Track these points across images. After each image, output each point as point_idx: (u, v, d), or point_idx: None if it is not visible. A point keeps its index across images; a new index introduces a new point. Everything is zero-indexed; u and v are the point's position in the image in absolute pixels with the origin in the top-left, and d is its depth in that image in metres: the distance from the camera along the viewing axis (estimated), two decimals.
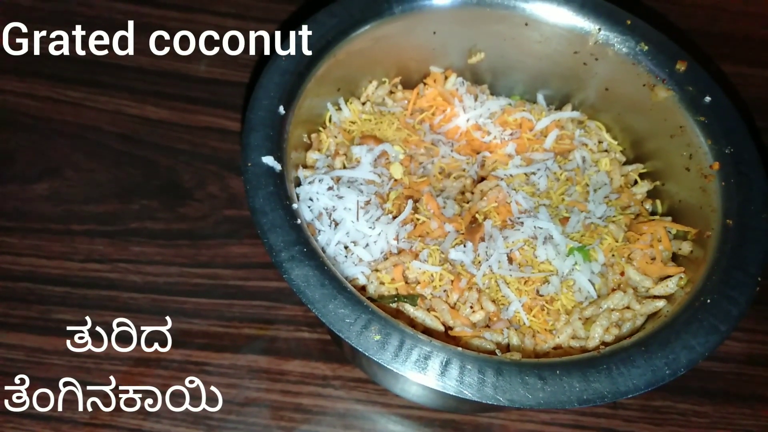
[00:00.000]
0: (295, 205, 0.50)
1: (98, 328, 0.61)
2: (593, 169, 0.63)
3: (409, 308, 0.52)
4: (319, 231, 0.55)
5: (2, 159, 0.70)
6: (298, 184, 0.57)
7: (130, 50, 0.78)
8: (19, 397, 0.57)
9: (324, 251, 0.53)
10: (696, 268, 0.53)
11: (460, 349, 0.45)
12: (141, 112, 0.75)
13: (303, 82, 0.56)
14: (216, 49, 0.80)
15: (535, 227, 0.56)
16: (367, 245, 0.55)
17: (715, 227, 0.53)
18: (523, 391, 0.43)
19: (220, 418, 0.58)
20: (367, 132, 0.63)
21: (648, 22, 0.62)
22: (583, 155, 0.64)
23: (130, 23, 0.80)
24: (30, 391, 0.58)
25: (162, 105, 0.75)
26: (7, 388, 0.58)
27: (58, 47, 0.77)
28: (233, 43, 0.80)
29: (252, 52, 0.80)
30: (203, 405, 0.59)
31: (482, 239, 0.56)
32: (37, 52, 0.77)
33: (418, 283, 0.54)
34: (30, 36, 0.78)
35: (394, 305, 0.53)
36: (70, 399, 0.58)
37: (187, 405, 0.58)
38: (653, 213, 0.63)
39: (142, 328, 0.62)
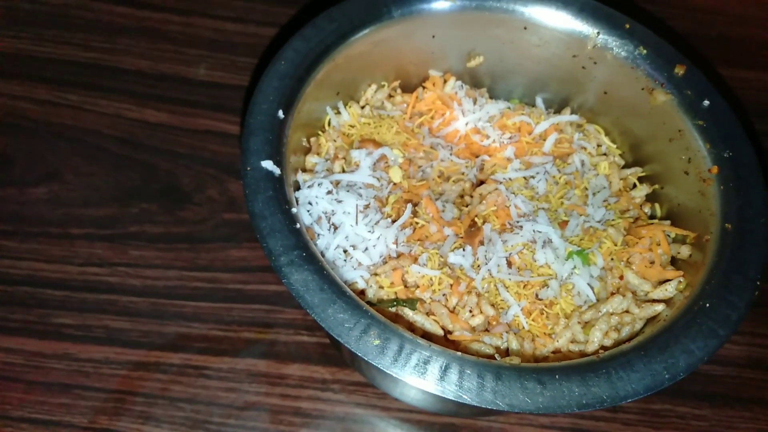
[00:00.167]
0: (294, 210, 0.50)
1: (97, 332, 0.61)
2: (592, 172, 0.63)
3: (408, 312, 0.52)
4: (319, 235, 0.55)
5: (1, 162, 0.70)
6: (298, 188, 0.57)
7: (130, 54, 0.79)
8: (18, 402, 0.57)
9: (323, 255, 0.53)
10: (695, 271, 0.53)
11: (459, 353, 0.45)
12: (140, 115, 0.75)
13: (302, 86, 0.56)
14: (216, 53, 0.81)
15: (534, 231, 0.56)
16: (366, 249, 0.55)
17: (714, 231, 0.53)
18: (522, 396, 0.43)
19: (220, 422, 0.58)
20: (366, 136, 0.63)
21: (647, 26, 0.63)
22: (582, 159, 0.64)
23: (130, 27, 0.81)
24: (29, 396, 0.58)
25: (162, 108, 0.75)
26: (6, 392, 0.58)
27: (58, 51, 0.78)
28: (233, 46, 0.81)
29: (251, 55, 0.81)
30: (202, 409, 0.59)
31: (481, 243, 0.56)
32: (36, 55, 0.77)
33: (418, 287, 0.54)
34: (30, 39, 0.78)
35: (393, 309, 0.53)
36: (69, 403, 0.58)
37: (186, 409, 0.58)
38: (652, 216, 0.63)
39: (141, 331, 0.62)
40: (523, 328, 0.53)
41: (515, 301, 0.53)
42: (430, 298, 0.54)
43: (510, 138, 0.65)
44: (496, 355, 0.51)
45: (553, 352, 0.53)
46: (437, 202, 0.59)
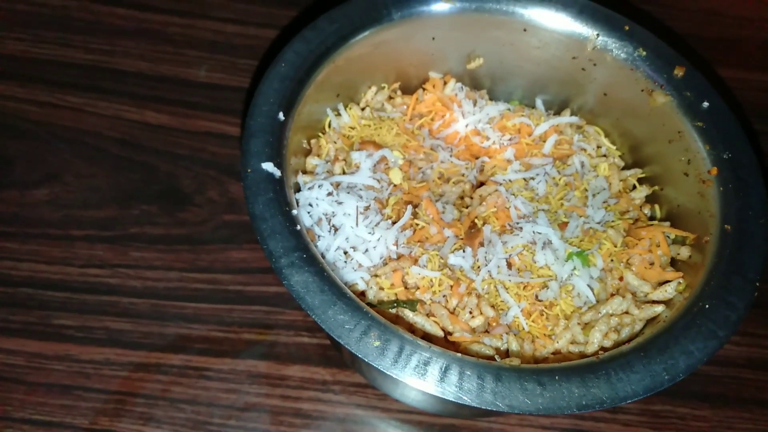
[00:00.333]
0: (294, 211, 0.50)
1: (98, 334, 0.61)
2: (592, 174, 0.64)
3: (408, 314, 0.52)
4: (319, 237, 0.55)
5: (2, 164, 0.70)
6: (298, 189, 0.57)
7: (130, 55, 0.79)
8: (19, 403, 0.57)
9: (323, 257, 0.53)
10: (694, 273, 0.53)
11: (459, 354, 0.45)
12: (141, 117, 0.75)
13: (302, 88, 0.56)
14: (216, 55, 0.81)
15: (534, 232, 0.56)
16: (367, 251, 0.55)
17: (713, 232, 0.54)
18: (522, 397, 0.43)
19: (220, 423, 0.58)
20: (367, 137, 0.63)
21: (646, 27, 0.63)
22: (581, 160, 0.64)
23: (131, 29, 0.81)
24: (30, 397, 0.58)
25: (162, 110, 0.75)
26: (7, 393, 0.58)
27: (59, 53, 0.78)
28: (233, 48, 0.81)
29: (252, 57, 0.81)
30: (203, 410, 0.59)
31: (481, 244, 0.56)
32: (37, 57, 0.77)
33: (418, 288, 0.54)
34: (30, 41, 0.78)
35: (393, 311, 0.53)
36: (70, 404, 0.58)
37: (187, 410, 0.59)
38: (652, 218, 0.63)
39: (142, 333, 0.62)
40: (523, 329, 0.53)
41: (515, 303, 0.53)
42: (431, 299, 0.54)
43: (510, 139, 0.65)
44: (496, 357, 0.51)
45: (553, 353, 0.53)
46: (437, 204, 0.59)
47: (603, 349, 0.52)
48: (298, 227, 0.49)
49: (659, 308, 0.53)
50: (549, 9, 0.62)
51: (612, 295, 0.55)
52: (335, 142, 0.62)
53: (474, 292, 0.54)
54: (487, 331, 0.54)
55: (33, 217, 0.67)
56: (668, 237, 0.58)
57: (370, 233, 0.55)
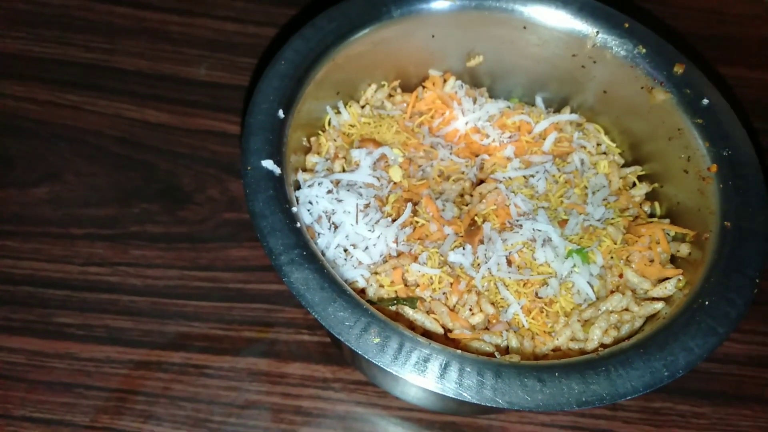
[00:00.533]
0: (294, 209, 0.50)
1: (98, 332, 0.62)
2: (592, 171, 0.64)
3: (408, 311, 0.52)
4: (319, 234, 0.55)
5: (2, 163, 0.70)
6: (298, 187, 0.57)
7: (130, 54, 0.79)
8: (20, 401, 0.57)
9: (323, 254, 0.53)
10: (694, 270, 0.53)
11: (459, 351, 0.45)
12: (141, 115, 0.75)
13: (302, 86, 0.56)
14: (216, 53, 0.81)
15: (533, 230, 0.56)
16: (367, 248, 0.55)
17: (713, 229, 0.54)
18: (522, 393, 0.43)
19: (221, 421, 0.59)
20: (367, 135, 0.63)
21: (646, 25, 0.63)
22: (581, 158, 0.64)
23: (130, 27, 0.81)
24: (31, 395, 0.58)
25: (162, 109, 0.75)
26: (7, 391, 0.58)
27: (59, 51, 0.78)
28: (233, 46, 0.81)
29: (251, 55, 0.81)
30: (203, 408, 0.59)
31: (481, 242, 0.56)
32: (37, 56, 0.77)
33: (418, 285, 0.54)
34: (30, 40, 0.79)
35: (393, 308, 0.53)
36: (71, 402, 0.58)
37: (187, 408, 0.59)
38: (652, 215, 0.63)
39: (143, 331, 0.62)
40: (523, 326, 0.53)
41: (515, 300, 0.54)
42: (430, 296, 0.54)
43: (510, 137, 0.65)
44: (496, 353, 0.51)
45: (553, 350, 0.53)
46: (437, 201, 0.59)
47: (603, 345, 0.52)
48: (298, 225, 0.49)
49: (659, 305, 0.54)
50: (549, 6, 0.62)
51: (612, 292, 0.56)
52: (335, 140, 0.62)
53: (474, 289, 0.54)
54: (487, 329, 0.54)
55: (33, 215, 0.67)
56: (668, 234, 0.58)
57: (370, 231, 0.55)
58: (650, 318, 0.54)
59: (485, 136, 0.65)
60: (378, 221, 0.56)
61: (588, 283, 0.55)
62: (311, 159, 0.61)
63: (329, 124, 0.63)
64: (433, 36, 0.64)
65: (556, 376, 0.44)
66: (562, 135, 0.65)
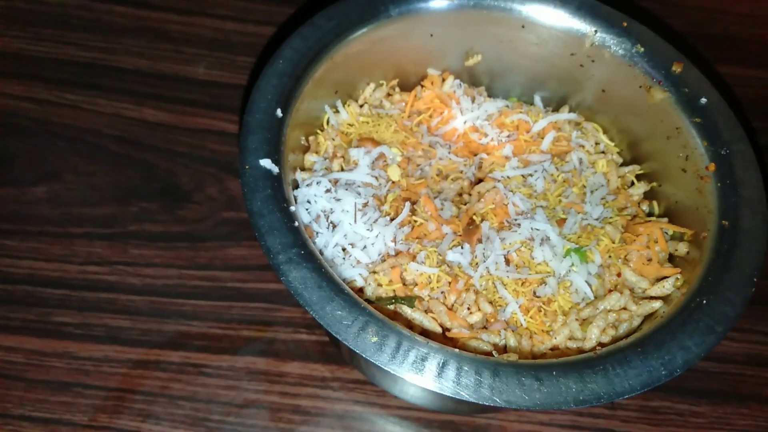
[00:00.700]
0: (292, 208, 0.50)
1: (97, 331, 0.62)
2: (590, 170, 0.64)
3: (406, 310, 0.52)
4: (317, 233, 0.55)
5: (1, 162, 0.70)
6: (296, 186, 0.57)
7: (129, 53, 0.79)
8: (18, 400, 0.58)
9: (322, 253, 0.53)
10: (692, 269, 0.53)
11: (457, 350, 0.45)
12: (140, 114, 0.75)
13: (300, 85, 0.56)
14: (215, 52, 0.81)
15: (532, 229, 0.56)
16: (365, 247, 0.55)
17: (711, 228, 0.54)
18: (519, 392, 0.43)
19: (219, 420, 0.59)
20: (365, 134, 0.63)
21: (644, 24, 0.63)
22: (580, 157, 0.64)
23: (129, 26, 0.81)
24: (29, 394, 0.58)
25: (161, 108, 0.75)
26: (6, 390, 0.58)
27: (57, 50, 0.78)
28: (232, 45, 0.81)
29: (250, 54, 0.81)
30: (202, 407, 0.59)
31: (479, 241, 0.56)
32: (36, 55, 0.77)
33: (416, 284, 0.55)
34: (29, 39, 0.79)
35: (391, 307, 0.53)
36: (69, 401, 0.58)
37: (186, 407, 0.59)
38: (650, 214, 0.63)
39: (141, 330, 0.62)
40: (521, 325, 0.53)
41: (513, 299, 0.54)
42: (429, 295, 0.54)
43: (508, 136, 0.65)
44: (494, 352, 0.51)
45: (551, 349, 0.53)
46: (436, 201, 0.59)
47: (601, 344, 0.52)
48: (296, 224, 0.49)
49: (657, 304, 0.54)
50: (547, 5, 0.62)
51: (610, 291, 0.56)
52: (333, 139, 0.62)
53: (472, 288, 0.54)
54: (485, 327, 0.54)
55: (32, 214, 0.67)
56: (666, 233, 0.59)
57: (368, 230, 0.55)
58: (648, 317, 0.54)
59: (484, 135, 0.65)
60: (376, 220, 0.56)
61: (586, 282, 0.55)
62: (309, 158, 0.61)
63: (328, 123, 0.63)
64: (431, 35, 0.64)
65: (554, 375, 0.44)
66: (561, 134, 0.65)
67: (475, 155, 0.64)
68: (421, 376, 0.44)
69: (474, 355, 0.45)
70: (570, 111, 0.68)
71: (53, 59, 0.77)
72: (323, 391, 0.61)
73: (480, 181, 0.62)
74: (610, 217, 0.60)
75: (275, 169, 0.51)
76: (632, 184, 0.64)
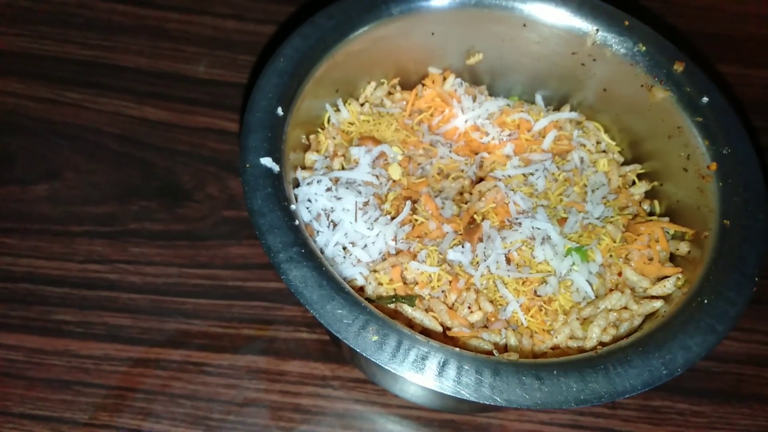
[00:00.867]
0: (293, 206, 0.50)
1: (98, 329, 0.62)
2: (591, 169, 0.64)
3: (407, 309, 0.52)
4: (318, 232, 0.55)
5: (2, 160, 0.70)
6: (297, 185, 0.57)
7: (130, 51, 0.79)
8: (19, 398, 0.58)
9: (322, 252, 0.53)
10: (693, 268, 0.53)
11: (457, 349, 0.45)
12: (140, 113, 0.75)
13: (301, 84, 0.56)
14: (215, 51, 0.81)
15: (533, 228, 0.56)
16: (366, 246, 0.55)
17: (712, 227, 0.54)
18: (520, 392, 0.43)
19: (220, 419, 0.59)
20: (366, 133, 0.63)
21: (646, 23, 0.63)
22: (581, 156, 0.64)
23: (130, 24, 0.81)
24: (30, 392, 0.58)
25: (161, 106, 0.75)
26: (6, 389, 0.58)
27: (58, 49, 0.78)
28: (232, 44, 0.81)
29: (251, 53, 0.81)
30: (202, 405, 0.59)
31: (480, 240, 0.56)
32: (36, 53, 0.77)
33: (417, 283, 0.54)
34: (29, 37, 0.79)
35: (392, 306, 0.53)
36: (70, 400, 0.58)
37: (186, 405, 0.59)
38: (651, 213, 0.63)
39: (142, 328, 0.62)
40: (522, 324, 0.53)
41: (514, 298, 0.54)
42: (429, 294, 0.54)
43: (509, 135, 0.65)
44: (495, 351, 0.51)
45: (552, 348, 0.53)
46: (436, 199, 0.59)
47: (601, 344, 0.52)
48: (297, 222, 0.49)
49: (658, 303, 0.53)
50: (549, 4, 0.62)
51: (611, 290, 0.55)
52: (334, 138, 0.62)
53: (473, 287, 0.54)
54: (485, 327, 0.54)
55: (33, 213, 0.67)
56: (667, 232, 0.58)
57: (369, 229, 0.55)
58: (649, 316, 0.54)
59: (485, 134, 0.65)
60: (377, 219, 0.56)
61: (587, 281, 0.55)
62: (310, 157, 0.61)
63: (328, 121, 0.63)
64: (432, 33, 0.64)
65: (555, 375, 0.44)
66: (562, 133, 0.65)
67: (476, 154, 0.64)
68: (421, 375, 0.44)
69: (475, 354, 0.45)
70: (571, 110, 0.68)
71: (54, 58, 0.77)
72: (324, 389, 0.61)
73: (481, 180, 0.62)
74: (611, 217, 0.60)
75: (276, 168, 0.51)
76: (633, 183, 0.64)
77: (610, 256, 0.57)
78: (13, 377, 0.59)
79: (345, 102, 0.65)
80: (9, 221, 0.67)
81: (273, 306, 0.64)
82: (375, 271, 0.55)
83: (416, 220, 0.57)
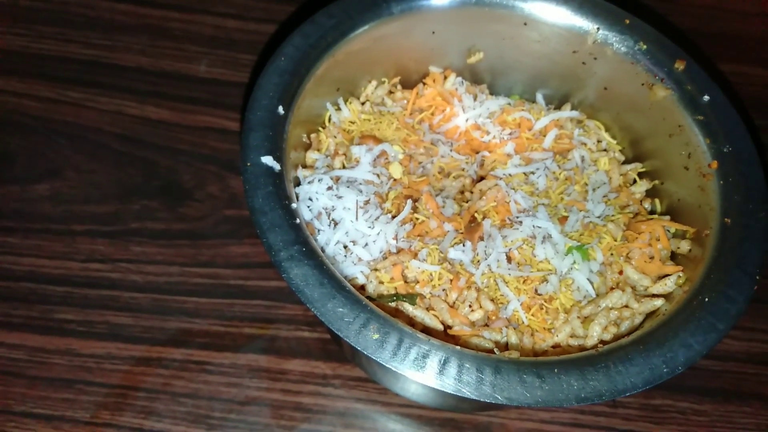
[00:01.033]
0: (294, 205, 0.50)
1: (99, 328, 0.62)
2: (592, 168, 0.64)
3: (408, 307, 0.52)
4: (319, 230, 0.55)
5: (3, 160, 0.70)
6: (298, 183, 0.57)
7: (131, 51, 0.79)
8: (20, 397, 0.58)
9: (323, 251, 0.53)
10: (694, 266, 0.53)
11: (458, 347, 0.45)
12: (141, 112, 0.75)
13: (302, 83, 0.56)
14: (216, 50, 0.81)
15: (533, 226, 0.56)
16: (367, 245, 0.55)
17: (713, 226, 0.54)
18: (521, 390, 0.43)
19: (221, 417, 0.59)
20: (367, 132, 0.63)
21: (646, 21, 0.63)
22: (582, 154, 0.64)
23: (131, 24, 0.81)
24: (31, 391, 0.58)
25: (162, 105, 0.75)
26: (8, 387, 0.58)
27: (59, 48, 0.78)
28: (233, 43, 0.81)
29: (252, 52, 0.81)
30: (204, 404, 0.59)
31: (481, 238, 0.56)
32: (37, 53, 0.77)
33: (417, 282, 0.54)
34: (30, 37, 0.79)
35: (393, 304, 0.53)
36: (72, 398, 0.58)
37: (187, 404, 0.59)
38: (652, 212, 0.63)
39: (143, 327, 0.62)
40: (523, 322, 0.53)
41: (515, 296, 0.54)
42: (430, 293, 0.54)
43: (510, 134, 0.65)
44: (496, 350, 0.51)
45: (553, 347, 0.53)
46: (437, 198, 0.59)
47: (602, 342, 0.52)
48: (298, 221, 0.49)
49: (659, 302, 0.53)
50: (549, 3, 0.62)
51: (612, 288, 0.55)
52: (335, 137, 0.62)
53: (473, 285, 0.54)
54: (486, 325, 0.54)
55: (34, 212, 0.67)
56: (668, 231, 0.58)
57: (369, 227, 0.55)
58: (650, 315, 0.54)
59: (486, 133, 0.65)
60: (378, 218, 0.56)
61: (588, 279, 0.55)
62: (311, 155, 0.61)
63: (329, 120, 0.63)
64: (433, 32, 0.64)
65: (556, 373, 0.44)
66: (563, 132, 0.65)
67: (477, 153, 0.64)
68: (422, 374, 0.44)
69: (475, 352, 0.45)
70: (572, 109, 0.68)
71: (55, 57, 0.77)
72: (325, 388, 0.61)
73: (482, 178, 0.62)
74: (612, 215, 0.60)
75: (277, 167, 0.51)
76: (634, 181, 0.64)
77: (611, 254, 0.57)
78: (15, 376, 0.59)
79: (346, 101, 0.65)
80: (10, 221, 0.67)
81: (274, 305, 0.64)
82: (376, 269, 0.55)
83: (417, 218, 0.57)
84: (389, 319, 0.46)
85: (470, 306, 0.54)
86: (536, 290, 0.55)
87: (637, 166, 0.64)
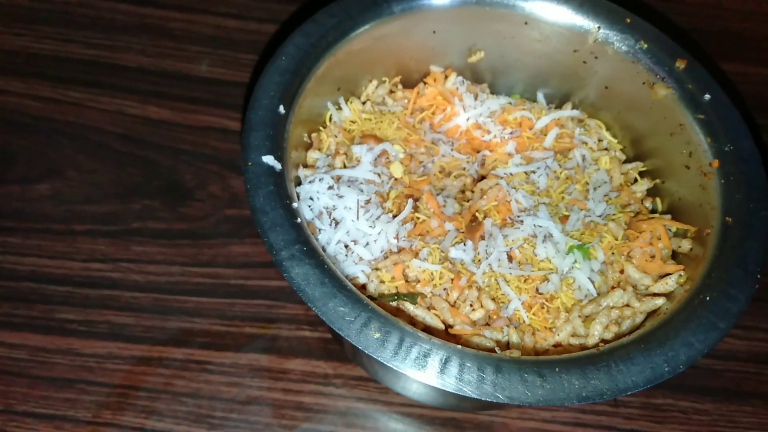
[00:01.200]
0: (295, 204, 0.50)
1: (101, 328, 0.62)
2: (593, 167, 0.64)
3: (409, 306, 0.52)
4: (320, 230, 0.55)
5: (4, 159, 0.70)
6: (299, 183, 0.57)
7: (132, 51, 0.79)
8: (22, 396, 0.58)
9: (324, 250, 0.53)
10: (695, 265, 0.53)
11: (459, 346, 0.45)
12: (142, 112, 0.75)
13: (303, 82, 0.56)
14: (217, 50, 0.81)
15: (534, 225, 0.56)
16: (368, 244, 0.55)
17: (714, 225, 0.54)
18: (522, 389, 0.43)
19: (222, 417, 0.59)
20: (368, 131, 0.63)
21: (647, 20, 0.63)
22: (583, 153, 0.64)
23: (132, 24, 0.81)
24: (33, 391, 0.58)
25: (163, 105, 0.75)
26: (10, 387, 0.58)
27: (60, 48, 0.78)
28: (234, 43, 0.81)
29: (253, 52, 0.81)
30: (205, 403, 0.59)
31: (482, 238, 0.56)
32: (38, 53, 0.78)
33: (418, 281, 0.54)
34: (31, 37, 0.79)
35: (394, 304, 0.53)
36: (73, 398, 0.58)
37: (189, 403, 0.59)
38: (653, 211, 0.63)
39: (144, 327, 0.62)
40: (524, 322, 0.53)
41: (516, 296, 0.54)
42: (431, 292, 0.54)
43: (511, 133, 0.65)
44: (497, 349, 0.51)
45: (554, 346, 0.53)
46: (438, 198, 0.59)
47: (603, 341, 0.52)
48: (299, 220, 0.49)
49: (660, 301, 0.53)
50: (550, 2, 0.62)
51: (613, 287, 0.55)
52: (336, 136, 0.62)
53: (475, 285, 0.54)
54: (487, 324, 0.54)
55: (35, 212, 0.67)
56: (669, 230, 0.58)
57: (370, 227, 0.55)
58: (651, 314, 0.54)
59: (486, 132, 0.65)
60: (379, 217, 0.56)
61: (589, 278, 0.55)
62: (312, 155, 0.61)
63: (330, 120, 0.63)
64: (434, 32, 0.64)
65: (557, 372, 0.44)
66: (564, 131, 0.65)
67: (478, 152, 0.64)
68: (423, 373, 0.44)
69: (477, 351, 0.45)
70: (573, 108, 0.68)
71: (56, 57, 0.77)
72: (326, 388, 0.61)
73: (483, 178, 0.62)
74: (613, 214, 0.60)
75: (278, 166, 0.51)
76: (635, 180, 0.64)
77: (612, 253, 0.57)
78: (17, 376, 0.59)
79: (347, 100, 0.65)
80: (11, 220, 0.67)
81: (275, 304, 0.65)
82: (377, 269, 0.55)
83: (418, 218, 0.57)
84: (390, 318, 0.46)
85: (471, 305, 0.54)
86: (537, 289, 0.55)
87: (638, 165, 0.64)
